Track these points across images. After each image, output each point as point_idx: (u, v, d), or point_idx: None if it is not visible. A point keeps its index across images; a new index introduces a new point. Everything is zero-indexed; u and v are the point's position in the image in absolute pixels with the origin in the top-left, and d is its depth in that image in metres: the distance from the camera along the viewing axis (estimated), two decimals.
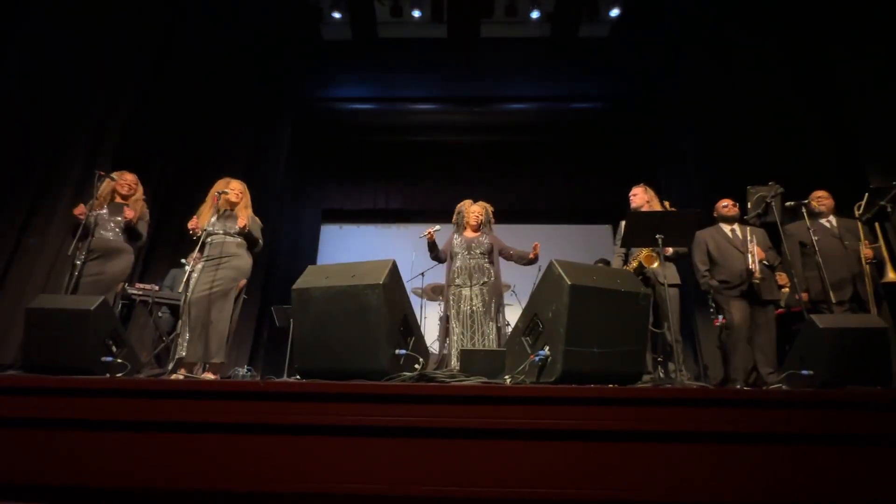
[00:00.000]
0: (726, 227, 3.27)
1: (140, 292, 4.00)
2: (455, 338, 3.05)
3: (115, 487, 1.16)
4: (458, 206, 3.51)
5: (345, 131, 7.34)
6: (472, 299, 3.12)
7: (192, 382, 1.58)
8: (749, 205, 2.97)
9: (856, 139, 4.02)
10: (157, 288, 4.13)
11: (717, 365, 4.71)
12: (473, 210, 3.43)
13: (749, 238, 3.10)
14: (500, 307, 3.24)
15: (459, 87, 6.71)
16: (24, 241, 4.10)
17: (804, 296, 3.06)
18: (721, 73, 5.35)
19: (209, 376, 2.78)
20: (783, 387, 1.99)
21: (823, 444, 1.23)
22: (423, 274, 4.99)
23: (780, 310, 4.05)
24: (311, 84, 6.50)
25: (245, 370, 4.63)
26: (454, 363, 2.90)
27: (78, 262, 2.77)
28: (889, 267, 2.95)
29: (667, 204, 3.00)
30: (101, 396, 1.31)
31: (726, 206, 3.32)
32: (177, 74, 5.29)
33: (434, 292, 4.89)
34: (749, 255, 3.03)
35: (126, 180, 3.14)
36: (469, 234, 3.38)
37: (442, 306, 3.53)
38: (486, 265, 3.26)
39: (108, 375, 1.77)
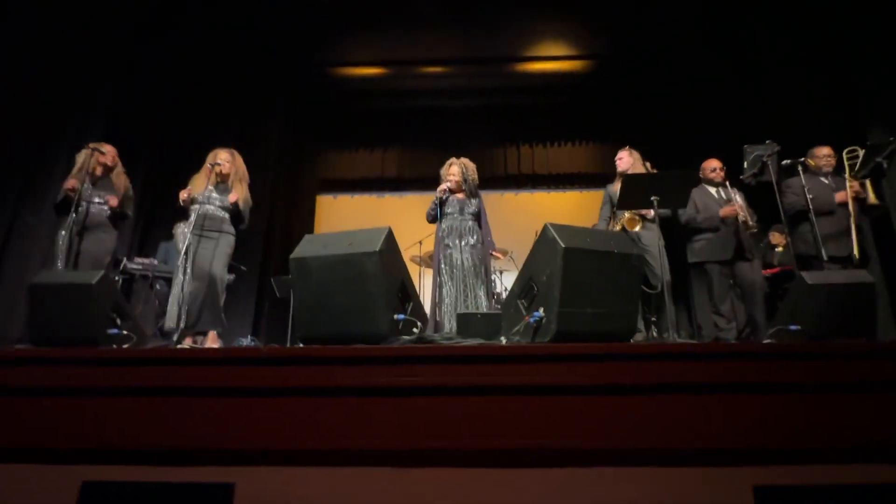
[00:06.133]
0: (712, 189, 3.31)
1: (140, 267, 4.03)
2: (448, 300, 3.10)
3: (128, 448, 1.22)
4: (441, 170, 3.44)
5: (340, 97, 7.15)
6: (463, 261, 3.14)
7: (199, 350, 1.63)
8: (745, 164, 2.96)
9: (856, 95, 3.95)
10: (155, 262, 4.15)
11: (711, 324, 4.83)
12: (451, 171, 3.35)
13: (734, 196, 3.15)
14: (488, 270, 3.27)
15: (458, 48, 6.47)
16: (21, 218, 4.09)
17: None
18: (716, 31, 5.19)
19: (213, 344, 2.85)
20: (774, 341, 2.05)
21: (810, 393, 1.29)
22: (420, 242, 5.01)
23: (774, 268, 4.11)
24: (306, 48, 6.26)
25: (248, 340, 4.74)
26: (449, 327, 2.96)
27: (73, 238, 2.79)
28: (870, 191, 3.00)
29: (648, 165, 3.01)
30: (114, 365, 1.35)
31: (714, 169, 3.33)
32: (166, 44, 5.11)
33: (432, 260, 4.92)
34: (739, 210, 3.07)
35: (109, 151, 3.12)
36: (459, 195, 3.35)
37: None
38: (476, 227, 3.27)
39: (114, 346, 1.82)
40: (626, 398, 1.24)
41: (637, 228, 2.97)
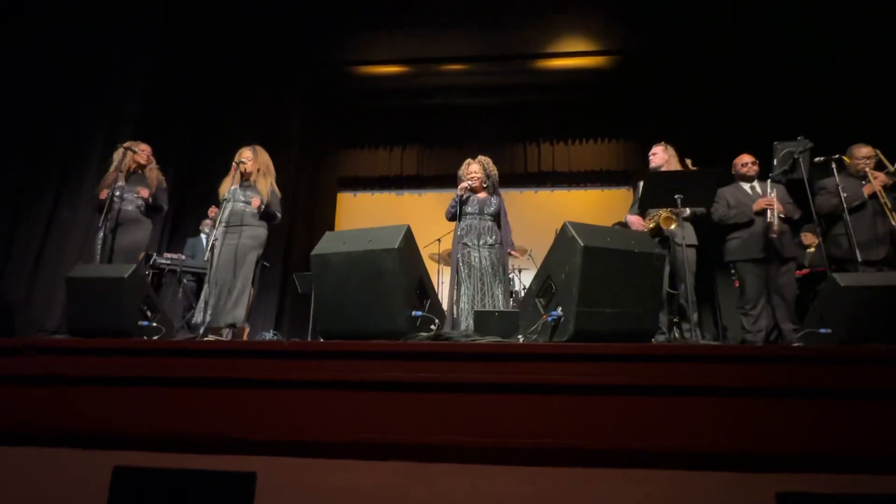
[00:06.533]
0: (745, 186, 3.20)
1: (168, 262, 4.17)
2: (465, 299, 3.10)
3: (156, 435, 1.27)
4: (459, 170, 3.44)
5: (360, 95, 7.22)
6: (481, 261, 3.14)
7: (224, 343, 1.69)
8: (775, 161, 2.86)
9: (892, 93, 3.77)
10: (183, 257, 4.29)
11: (737, 326, 4.69)
12: (472, 170, 3.34)
13: (769, 191, 3.02)
14: (506, 269, 3.26)
15: (478, 45, 6.44)
16: (57, 213, 4.29)
17: None
18: (744, 24, 5.01)
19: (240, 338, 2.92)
20: (802, 344, 1.99)
21: (838, 398, 1.25)
22: (439, 240, 5.03)
23: (804, 270, 3.97)
24: (327, 47, 6.34)
25: (271, 334, 4.86)
26: (466, 324, 2.97)
27: (108, 234, 2.91)
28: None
29: (688, 162, 2.91)
30: (144, 356, 1.41)
31: (746, 164, 3.22)
32: (189, 43, 5.26)
33: (450, 258, 4.93)
34: (769, 210, 2.96)
35: (142, 150, 3.24)
36: (480, 194, 3.35)
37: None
38: (495, 227, 3.26)
39: (145, 338, 1.90)
40: (643, 399, 1.22)
41: (673, 227, 2.90)
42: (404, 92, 7.11)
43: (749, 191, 3.17)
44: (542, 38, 6.29)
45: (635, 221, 3.11)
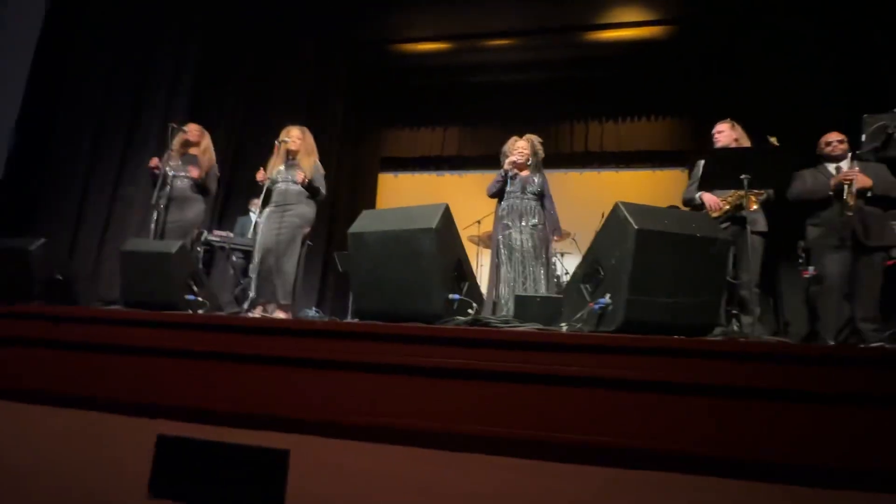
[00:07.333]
0: (831, 167, 2.84)
1: (218, 239, 4.34)
2: (506, 283, 3.01)
3: (198, 407, 1.30)
4: (504, 147, 3.31)
5: (403, 74, 7.11)
6: (522, 242, 3.03)
7: (258, 320, 1.71)
8: (863, 137, 2.51)
9: None
10: (231, 235, 4.45)
11: (802, 320, 4.29)
12: (519, 146, 3.21)
13: (851, 166, 2.66)
14: (549, 252, 3.13)
15: (524, 18, 6.12)
16: (120, 189, 4.56)
17: None
18: None
19: (280, 315, 2.99)
20: (885, 345, 1.76)
21: None
22: (479, 221, 4.92)
23: (890, 261, 3.55)
24: (366, 24, 6.25)
25: (314, 312, 4.98)
26: (506, 309, 2.88)
27: (161, 210, 3.04)
28: None
29: (773, 140, 2.58)
30: (186, 329, 1.44)
31: (831, 143, 2.85)
32: (231, 25, 5.34)
33: (490, 240, 4.82)
34: (846, 186, 2.59)
35: (191, 129, 3.32)
36: (523, 172, 3.21)
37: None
38: (538, 208, 3.12)
39: (190, 312, 1.96)
40: (700, 399, 1.10)
41: (755, 208, 2.62)
42: (446, 70, 6.94)
43: (833, 172, 2.81)
44: (590, 8, 5.90)
45: (710, 199, 2.82)
